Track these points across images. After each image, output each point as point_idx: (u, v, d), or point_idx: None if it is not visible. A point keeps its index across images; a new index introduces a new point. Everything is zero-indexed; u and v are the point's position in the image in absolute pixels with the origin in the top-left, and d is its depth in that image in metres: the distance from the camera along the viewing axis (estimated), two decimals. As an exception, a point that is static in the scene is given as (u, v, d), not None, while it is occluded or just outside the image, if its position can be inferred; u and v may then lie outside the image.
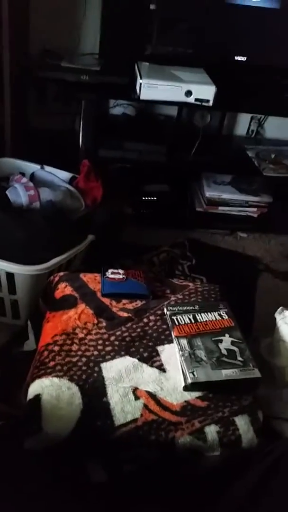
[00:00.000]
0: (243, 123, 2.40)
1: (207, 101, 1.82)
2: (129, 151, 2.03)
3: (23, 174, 1.74)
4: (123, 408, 0.97)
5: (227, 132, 2.40)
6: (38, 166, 1.81)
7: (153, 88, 1.78)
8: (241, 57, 1.96)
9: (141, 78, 1.77)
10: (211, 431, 0.96)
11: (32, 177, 1.76)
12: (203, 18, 1.92)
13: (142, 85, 1.76)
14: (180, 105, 1.91)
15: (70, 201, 1.63)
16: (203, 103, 1.82)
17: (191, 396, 1.01)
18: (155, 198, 2.11)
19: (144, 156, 2.03)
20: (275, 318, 1.31)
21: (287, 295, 1.89)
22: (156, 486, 0.95)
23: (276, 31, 1.95)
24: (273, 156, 2.22)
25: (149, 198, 2.11)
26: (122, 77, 1.89)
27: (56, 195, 1.59)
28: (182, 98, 1.82)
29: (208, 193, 2.18)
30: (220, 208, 2.21)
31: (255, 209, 2.24)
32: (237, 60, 1.97)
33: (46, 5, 1.96)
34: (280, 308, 1.33)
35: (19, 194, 1.53)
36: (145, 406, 0.98)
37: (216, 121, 2.26)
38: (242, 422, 0.98)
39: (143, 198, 2.11)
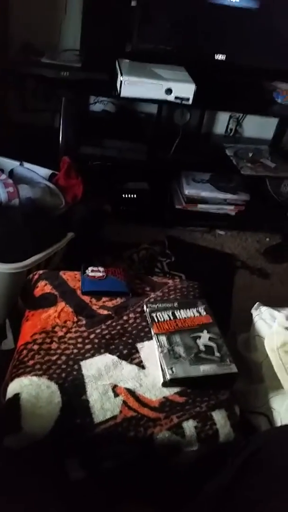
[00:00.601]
0: (222, 122, 2.43)
1: (187, 99, 1.83)
2: (109, 148, 2.03)
3: (1, 171, 1.72)
4: (103, 405, 0.98)
5: (206, 130, 2.42)
6: (17, 163, 1.79)
7: (133, 85, 1.78)
8: (220, 56, 1.98)
9: (121, 75, 1.77)
10: (189, 426, 0.98)
11: (11, 173, 1.74)
12: (184, 16, 1.93)
13: (123, 82, 1.76)
14: (160, 103, 1.92)
15: (49, 198, 1.62)
16: (183, 102, 1.83)
17: (170, 392, 1.03)
18: (134, 196, 2.12)
19: (124, 153, 2.04)
20: (251, 314, 1.34)
21: (263, 291, 1.93)
22: (135, 483, 0.96)
23: (254, 31, 1.97)
24: (250, 155, 2.26)
25: (129, 195, 2.12)
26: (103, 74, 1.89)
27: (36, 192, 1.58)
28: (162, 96, 1.83)
29: (187, 191, 2.20)
30: (199, 206, 2.23)
31: (232, 207, 2.28)
32: (217, 59, 1.98)
33: (27, 1, 1.94)
34: (257, 304, 1.36)
35: (-3, 191, 1.52)
36: (124, 402, 0.99)
37: (196, 120, 2.29)
38: (219, 417, 1.00)
39: (123, 195, 2.12)
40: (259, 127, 2.42)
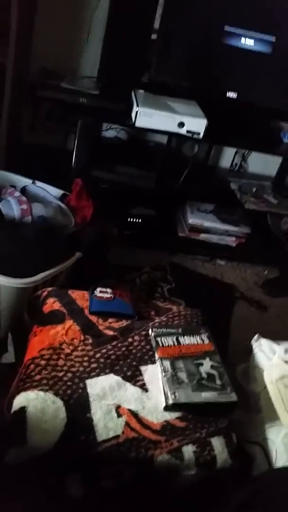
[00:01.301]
0: (228, 156, 2.51)
1: (198, 133, 1.90)
2: (120, 174, 2.09)
3: (14, 187, 1.77)
4: (106, 424, 1.00)
5: (213, 163, 2.51)
6: (30, 181, 1.84)
7: (148, 116, 1.85)
8: (232, 94, 2.07)
9: (137, 105, 1.84)
10: (188, 450, 1.00)
11: (24, 191, 1.78)
12: (201, 54, 2.02)
13: (139, 112, 1.83)
14: (172, 135, 1.99)
15: (60, 217, 1.66)
16: (194, 135, 1.90)
17: (171, 416, 1.05)
18: (140, 221, 2.17)
19: (134, 180, 2.10)
20: (251, 345, 1.37)
21: (260, 323, 1.97)
22: (133, 504, 0.98)
23: (266, 73, 2.07)
24: (254, 190, 2.33)
25: (135, 220, 2.17)
26: (119, 103, 1.96)
27: (48, 211, 1.62)
28: (174, 128, 1.89)
29: (191, 220, 2.26)
30: (201, 235, 2.29)
31: (233, 239, 2.33)
32: (228, 97, 2.07)
33: (51, 27, 2.03)
34: (256, 335, 1.39)
35: (12, 207, 1.56)
36: (127, 423, 1.02)
37: (203, 152, 2.37)
38: (217, 443, 1.03)
39: (129, 219, 2.17)
40: (263, 163, 2.51)
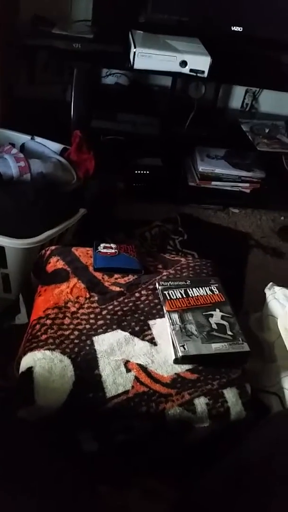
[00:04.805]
0: (237, 96, 2.37)
1: (202, 72, 1.78)
2: (122, 122, 2.00)
3: (13, 145, 1.70)
4: (115, 380, 0.98)
5: (222, 105, 2.37)
6: (29, 137, 1.77)
7: (147, 58, 1.74)
8: (237, 28, 1.91)
9: (135, 47, 1.73)
10: (201, 403, 0.98)
11: (22, 148, 1.72)
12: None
13: (136, 54, 1.72)
14: (175, 75, 1.87)
15: (61, 173, 1.60)
16: (198, 74, 1.79)
17: (181, 369, 1.03)
18: (147, 172, 2.09)
19: (137, 128, 2.00)
20: (265, 294, 1.32)
21: (276, 270, 1.91)
22: (146, 458, 0.97)
23: (273, 2, 1.90)
24: (267, 130, 2.20)
25: (141, 172, 2.09)
26: (116, 46, 1.84)
27: (47, 167, 1.56)
28: (176, 68, 1.78)
29: (201, 168, 2.16)
30: (213, 183, 2.20)
31: (247, 185, 2.23)
32: (233, 31, 1.92)
33: None
34: (270, 283, 1.34)
35: (9, 165, 1.50)
36: (136, 378, 0.99)
37: (211, 94, 2.23)
38: (230, 395, 1.00)
39: (136, 171, 2.09)
40: (276, 102, 2.36)
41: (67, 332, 1.06)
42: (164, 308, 1.14)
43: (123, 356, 1.03)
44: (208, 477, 0.85)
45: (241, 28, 1.91)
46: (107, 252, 1.26)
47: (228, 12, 1.92)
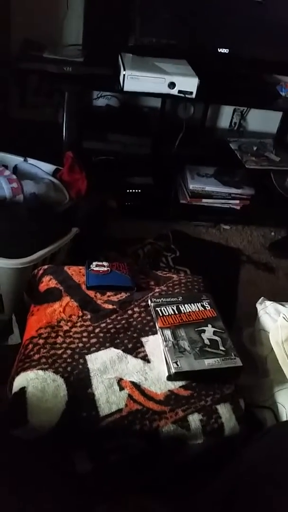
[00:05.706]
0: (226, 116, 2.42)
1: (190, 93, 1.82)
2: (113, 143, 2.02)
3: (5, 167, 1.72)
4: (108, 398, 0.98)
5: (210, 124, 2.41)
6: (21, 159, 1.80)
7: (136, 80, 1.77)
8: (223, 49, 1.97)
9: (124, 69, 1.76)
10: (194, 419, 0.98)
11: (15, 169, 1.74)
12: (186, 9, 1.91)
13: (126, 76, 1.75)
14: (164, 97, 1.91)
15: (54, 193, 1.62)
16: (186, 95, 1.82)
17: (175, 385, 1.03)
18: (139, 191, 2.12)
19: (128, 148, 2.03)
20: (256, 308, 1.34)
21: (268, 286, 1.93)
22: (141, 475, 0.97)
23: (258, 24, 1.95)
24: (255, 148, 2.25)
25: (133, 190, 2.11)
26: (106, 69, 1.88)
27: (40, 188, 1.58)
28: (165, 90, 1.81)
29: (192, 186, 2.19)
30: (203, 200, 2.23)
31: (237, 201, 2.27)
32: (220, 52, 1.97)
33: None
34: (261, 298, 1.35)
35: (2, 186, 1.51)
36: (130, 396, 1.00)
37: (200, 113, 2.28)
38: (224, 410, 1.01)
39: (128, 190, 2.11)
40: (263, 120, 2.41)
41: (60, 351, 1.06)
42: (156, 324, 1.14)
43: (116, 374, 1.03)
44: (203, 495, 0.85)
45: (227, 49, 1.96)
46: (99, 270, 1.27)
47: (215, 34, 1.97)
